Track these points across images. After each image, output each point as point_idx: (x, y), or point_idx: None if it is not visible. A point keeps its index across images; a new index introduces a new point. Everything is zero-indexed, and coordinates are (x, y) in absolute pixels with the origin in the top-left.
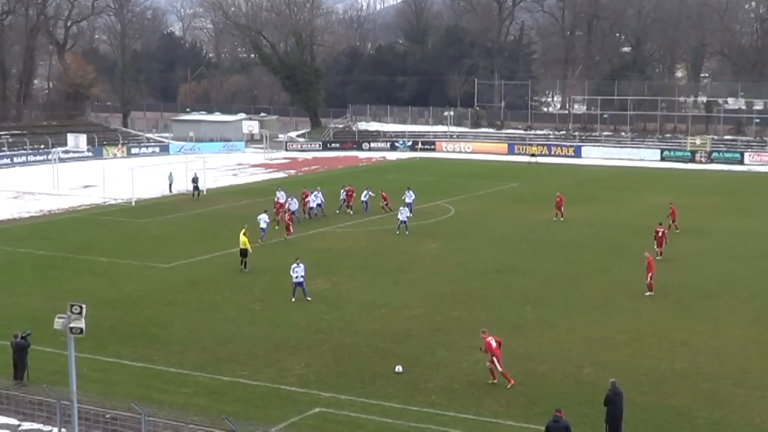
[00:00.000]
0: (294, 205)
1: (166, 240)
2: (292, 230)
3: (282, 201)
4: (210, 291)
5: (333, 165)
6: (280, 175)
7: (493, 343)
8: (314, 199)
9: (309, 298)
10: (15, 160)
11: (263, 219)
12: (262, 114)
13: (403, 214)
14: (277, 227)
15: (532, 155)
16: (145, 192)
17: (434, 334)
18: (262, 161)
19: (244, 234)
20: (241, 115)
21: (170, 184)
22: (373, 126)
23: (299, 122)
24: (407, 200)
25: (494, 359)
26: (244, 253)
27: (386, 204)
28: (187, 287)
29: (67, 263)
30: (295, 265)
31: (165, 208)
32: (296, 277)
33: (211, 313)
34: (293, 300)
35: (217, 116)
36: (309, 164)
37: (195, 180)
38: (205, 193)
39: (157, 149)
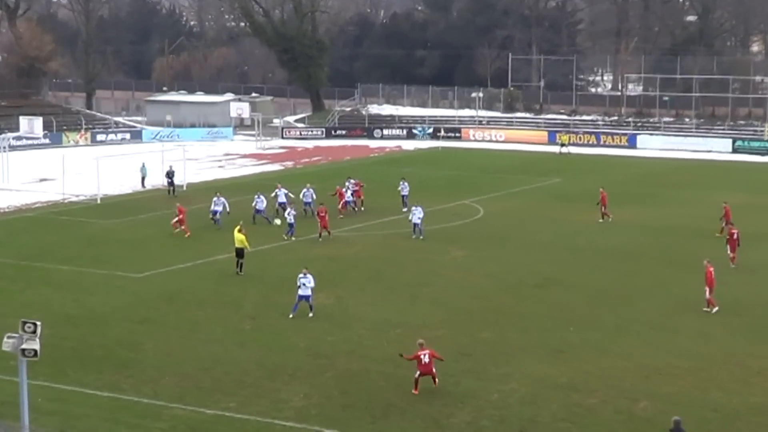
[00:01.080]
0: (261, 203)
1: (138, 245)
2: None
3: (282, 201)
4: (191, 306)
5: (338, 156)
6: (275, 167)
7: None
8: (306, 197)
9: (311, 315)
10: None
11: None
12: (254, 94)
13: (416, 215)
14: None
15: (562, 145)
16: (112, 187)
17: (459, 359)
18: (253, 151)
19: (239, 231)
20: (229, 96)
21: (143, 178)
22: (387, 109)
23: (298, 105)
24: (403, 192)
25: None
26: (240, 253)
27: (354, 202)
28: (163, 301)
29: (19, 272)
30: (302, 275)
31: (137, 207)
32: (303, 289)
33: (192, 332)
34: (292, 317)
35: (200, 97)
36: (309, 155)
37: (170, 174)
38: (184, 189)
39: (128, 136)
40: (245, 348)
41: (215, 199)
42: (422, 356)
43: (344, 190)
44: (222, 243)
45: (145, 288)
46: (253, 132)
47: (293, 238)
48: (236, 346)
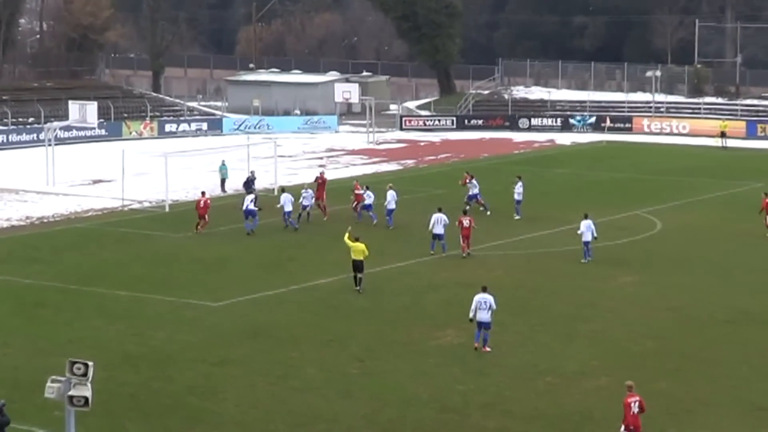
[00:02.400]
0: (288, 205)
1: (216, 265)
2: None
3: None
4: (282, 344)
5: (472, 153)
6: (391, 167)
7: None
8: (305, 199)
9: (487, 349)
10: None
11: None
12: (365, 73)
13: (587, 230)
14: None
15: (722, 135)
16: (185, 191)
17: None
18: (363, 146)
19: (355, 239)
20: (333, 75)
21: (223, 181)
22: (536, 92)
23: (421, 86)
24: (517, 196)
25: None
26: (359, 266)
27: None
28: (246, 338)
29: (66, 299)
30: (481, 298)
31: (215, 217)
32: (482, 313)
33: (283, 378)
34: (477, 346)
35: (297, 76)
36: (435, 151)
37: (250, 182)
38: (275, 194)
39: (204, 126)
40: (351, 399)
41: (304, 192)
42: (632, 404)
43: (362, 193)
44: (322, 263)
45: (224, 320)
46: (364, 121)
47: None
48: (340, 396)
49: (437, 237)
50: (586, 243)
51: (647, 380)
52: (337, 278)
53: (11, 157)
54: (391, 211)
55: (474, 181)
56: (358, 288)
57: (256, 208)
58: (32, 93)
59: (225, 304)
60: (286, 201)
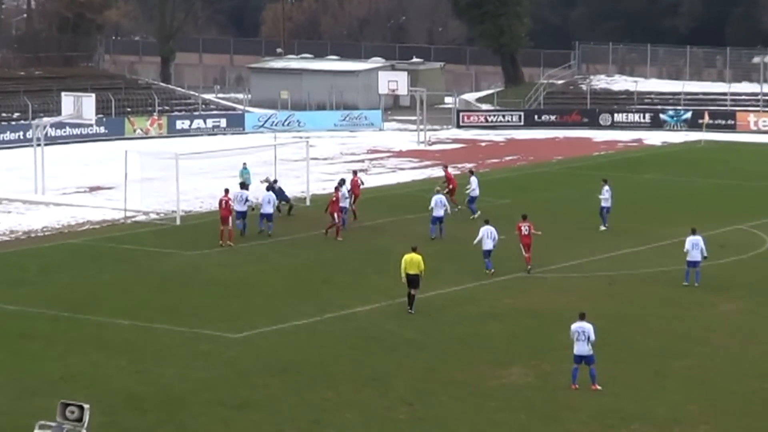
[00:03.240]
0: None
1: (236, 289)
2: None
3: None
4: (315, 384)
5: (543, 155)
6: (443, 173)
7: None
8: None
9: (598, 387)
10: None
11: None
12: (415, 60)
13: (695, 248)
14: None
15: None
16: (199, 201)
17: None
18: (413, 146)
19: (414, 249)
20: (377, 62)
21: (244, 186)
22: (620, 83)
23: (482, 75)
24: (604, 203)
25: None
26: (414, 281)
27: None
28: (272, 376)
29: (58, 329)
30: (578, 327)
31: (235, 231)
32: (580, 346)
33: (316, 424)
34: (575, 388)
35: (333, 63)
36: (499, 153)
37: (272, 187)
38: (307, 204)
39: (223, 122)
40: None
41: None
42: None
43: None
44: (362, 286)
45: (246, 355)
46: (413, 117)
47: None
48: None
49: (487, 254)
50: (694, 263)
51: (754, 429)
52: (379, 305)
53: None
54: (474, 198)
55: (474, 180)
56: (409, 308)
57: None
58: (17, 83)
59: (247, 335)
60: (266, 202)
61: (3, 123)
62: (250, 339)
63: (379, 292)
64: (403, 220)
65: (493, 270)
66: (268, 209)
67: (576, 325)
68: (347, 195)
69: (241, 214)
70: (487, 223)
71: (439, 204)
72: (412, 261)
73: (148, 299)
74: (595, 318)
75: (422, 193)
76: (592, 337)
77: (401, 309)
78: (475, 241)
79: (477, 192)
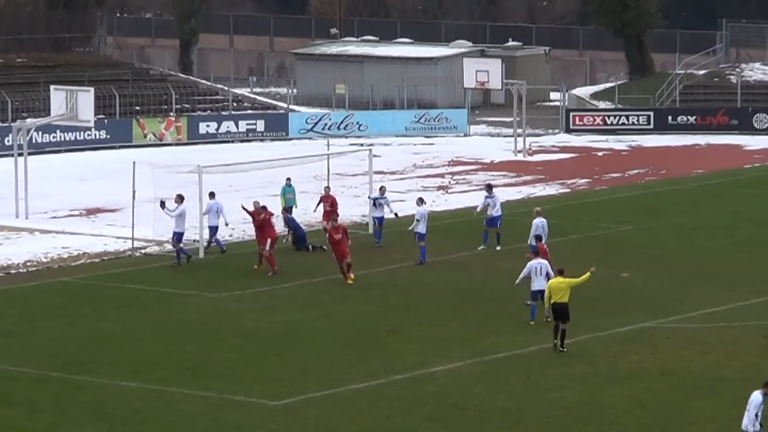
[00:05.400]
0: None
1: (277, 342)
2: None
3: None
4: None
5: (680, 167)
6: (551, 190)
7: None
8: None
9: None
10: None
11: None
12: (511, 43)
13: None
14: None
15: None
16: (228, 228)
17: None
18: (509, 157)
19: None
20: (462, 46)
21: (287, 210)
22: None
23: (600, 64)
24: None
25: None
26: (563, 312)
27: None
28: None
29: (44, 393)
30: (758, 398)
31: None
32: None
33: None
34: None
35: (403, 48)
36: (621, 165)
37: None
38: (370, 231)
39: (260, 125)
40: None
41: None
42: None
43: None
44: (441, 338)
45: (289, 428)
46: (509, 118)
47: None
48: None
49: (538, 295)
50: None
51: None
52: (463, 363)
53: None
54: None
55: (495, 195)
56: (559, 345)
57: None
58: None
59: (290, 402)
60: (212, 212)
61: None
62: (295, 407)
63: (461, 345)
64: (493, 252)
65: (548, 318)
66: (215, 221)
67: (757, 396)
68: (421, 216)
69: (213, 230)
70: (537, 255)
71: (540, 229)
72: (559, 287)
73: (161, 354)
74: (744, 381)
75: (519, 217)
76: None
77: (491, 368)
78: (518, 280)
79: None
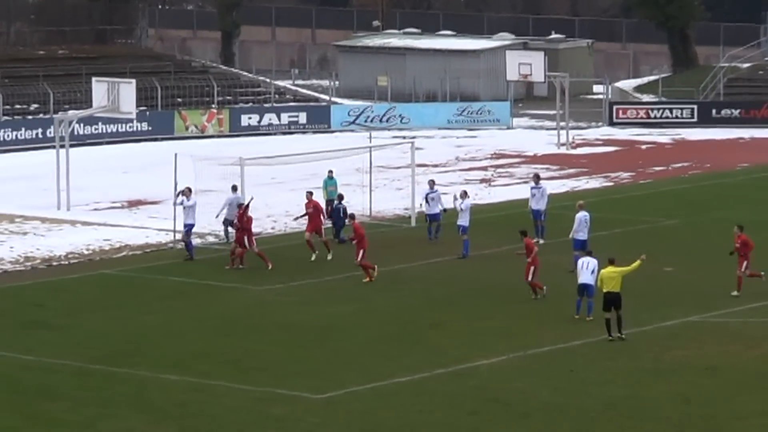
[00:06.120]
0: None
1: (320, 335)
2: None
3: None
4: None
5: (725, 161)
6: (594, 183)
7: None
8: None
9: None
10: None
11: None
12: (555, 36)
13: None
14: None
15: None
16: (270, 220)
17: None
18: (553, 150)
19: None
20: (504, 39)
21: (329, 203)
22: None
23: (644, 56)
24: None
25: None
26: (614, 300)
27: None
28: None
29: (86, 385)
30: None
31: (320, 260)
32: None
33: None
34: None
35: (446, 40)
36: (665, 158)
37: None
38: (413, 224)
39: (302, 117)
40: None
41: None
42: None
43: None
44: (485, 332)
45: (332, 422)
46: (552, 111)
47: None
48: None
49: (585, 290)
50: None
51: None
52: (506, 357)
53: (4, 164)
54: (581, 242)
55: (542, 185)
56: (613, 336)
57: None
58: (35, 66)
59: (332, 396)
60: (233, 206)
61: (17, 117)
62: (337, 401)
63: (505, 340)
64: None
65: (590, 317)
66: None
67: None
68: (463, 207)
69: (230, 224)
70: (588, 253)
71: (583, 224)
72: (611, 276)
73: (204, 348)
74: None
75: (562, 211)
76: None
77: (534, 362)
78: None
79: (584, 234)
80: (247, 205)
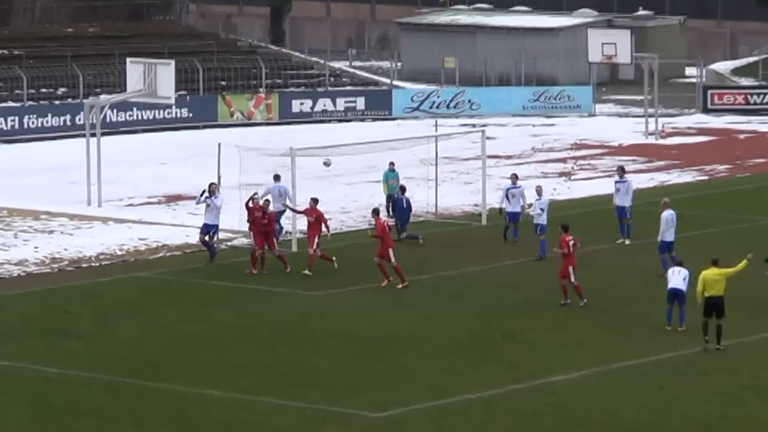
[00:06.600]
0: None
1: (380, 346)
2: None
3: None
4: None
5: None
6: (686, 177)
7: None
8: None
9: None
10: None
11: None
12: (643, 12)
13: None
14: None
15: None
16: (333, 218)
17: None
18: (640, 139)
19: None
20: (586, 15)
21: (390, 198)
22: None
23: (742, 35)
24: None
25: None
26: (717, 306)
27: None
28: None
29: (118, 402)
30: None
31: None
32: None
33: None
34: None
35: (521, 17)
36: (764, 149)
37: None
38: (483, 223)
39: (360, 102)
40: None
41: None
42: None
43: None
44: (562, 343)
45: None
46: (640, 96)
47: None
48: None
49: (675, 296)
50: None
51: None
52: (587, 372)
53: (29, 154)
54: (668, 244)
55: (627, 179)
56: (709, 344)
57: None
58: (63, 46)
59: (393, 414)
60: (273, 196)
61: (43, 102)
62: (399, 420)
63: (586, 352)
64: (622, 247)
65: (683, 327)
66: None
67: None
68: (542, 208)
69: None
70: (679, 265)
71: (669, 224)
72: (714, 279)
73: (250, 360)
74: None
75: (650, 208)
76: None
77: (619, 377)
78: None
79: (671, 236)
80: (250, 200)
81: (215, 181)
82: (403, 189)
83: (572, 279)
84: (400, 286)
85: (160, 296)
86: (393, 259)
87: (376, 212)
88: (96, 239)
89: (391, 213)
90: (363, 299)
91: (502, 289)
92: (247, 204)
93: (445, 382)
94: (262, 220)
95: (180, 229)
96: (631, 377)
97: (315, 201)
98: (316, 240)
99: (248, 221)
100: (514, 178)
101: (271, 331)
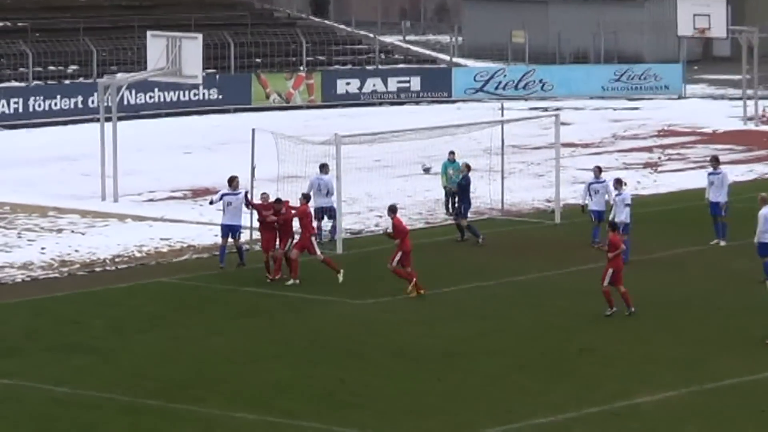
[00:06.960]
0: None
1: (436, 363)
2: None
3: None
4: None
5: None
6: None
7: None
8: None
9: None
10: None
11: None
12: None
13: None
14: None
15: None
16: (373, 214)
17: None
18: (737, 125)
19: None
20: None
21: (452, 196)
22: None
23: None
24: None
25: None
26: None
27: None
28: None
29: (138, 426)
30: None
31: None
32: None
33: None
34: None
35: None
36: None
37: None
38: (557, 221)
39: (415, 83)
40: None
41: None
42: None
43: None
44: (645, 360)
45: None
46: (737, 76)
47: None
48: None
49: None
50: None
51: None
52: (677, 393)
53: (35, 142)
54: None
55: (722, 171)
56: None
57: None
58: (75, 16)
59: None
60: (315, 190)
61: (51, 82)
62: None
63: (675, 369)
64: (714, 249)
65: None
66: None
67: None
68: (621, 200)
69: (322, 212)
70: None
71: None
72: None
73: (288, 378)
74: None
75: (749, 204)
76: None
77: (713, 399)
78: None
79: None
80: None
81: (236, 174)
82: (468, 167)
83: (604, 283)
84: (413, 294)
85: (184, 305)
86: (392, 263)
87: (392, 210)
88: (112, 239)
89: (450, 210)
90: (418, 309)
91: (577, 297)
92: (250, 203)
93: (513, 405)
94: (270, 219)
95: (208, 228)
96: (727, 399)
97: (306, 198)
98: (313, 241)
99: (258, 221)
100: (597, 171)
101: (312, 345)
